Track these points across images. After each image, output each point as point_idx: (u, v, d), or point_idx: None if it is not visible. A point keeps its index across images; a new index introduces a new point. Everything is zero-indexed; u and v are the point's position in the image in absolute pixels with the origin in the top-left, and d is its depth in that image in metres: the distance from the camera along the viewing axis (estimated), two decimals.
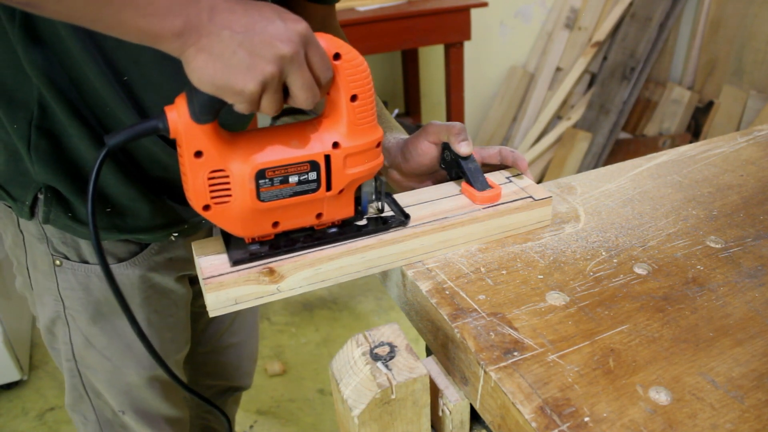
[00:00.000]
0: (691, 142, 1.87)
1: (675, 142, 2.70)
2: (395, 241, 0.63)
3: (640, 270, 0.62)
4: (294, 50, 0.51)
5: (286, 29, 0.51)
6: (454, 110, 2.53)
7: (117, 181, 0.75)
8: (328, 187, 0.59)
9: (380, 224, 0.64)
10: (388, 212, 0.66)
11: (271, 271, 0.59)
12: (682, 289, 0.60)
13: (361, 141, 0.58)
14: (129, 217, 0.79)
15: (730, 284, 0.61)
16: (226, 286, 0.57)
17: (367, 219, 0.65)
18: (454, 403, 0.57)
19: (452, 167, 0.71)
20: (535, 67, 3.09)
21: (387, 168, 0.80)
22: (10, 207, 0.81)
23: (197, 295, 1.01)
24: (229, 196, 0.57)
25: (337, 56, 0.55)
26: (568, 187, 0.78)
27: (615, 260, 0.64)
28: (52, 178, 0.73)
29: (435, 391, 0.58)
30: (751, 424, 0.46)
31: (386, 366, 0.52)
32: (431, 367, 0.60)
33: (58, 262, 0.84)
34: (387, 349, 0.53)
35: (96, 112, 0.70)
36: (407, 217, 0.65)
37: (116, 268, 0.86)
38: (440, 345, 0.59)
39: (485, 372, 0.51)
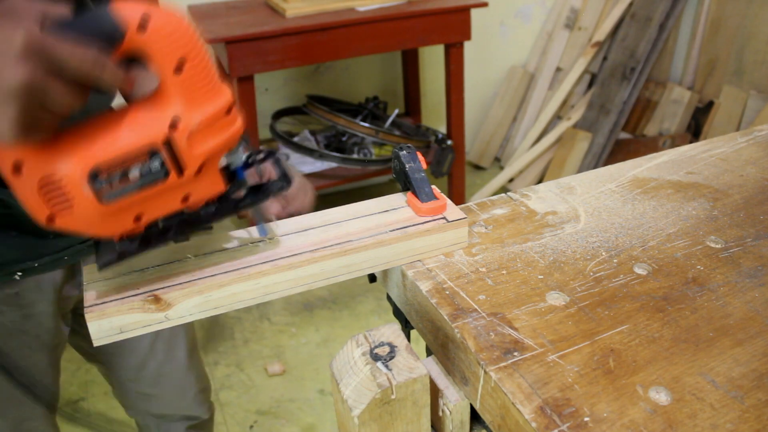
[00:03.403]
0: (691, 142, 1.87)
1: (675, 142, 2.70)
2: (292, 267, 0.59)
3: (640, 270, 0.62)
4: (28, 77, 0.43)
5: (7, 51, 0.42)
6: (454, 110, 2.53)
7: None
8: (180, 172, 0.51)
9: (260, 194, 0.58)
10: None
11: (157, 299, 0.56)
12: (682, 289, 0.60)
13: (203, 112, 0.50)
14: None
15: (730, 284, 0.61)
16: (108, 315, 0.54)
17: (248, 189, 0.58)
18: (454, 403, 0.57)
19: (401, 177, 0.69)
20: (535, 67, 3.09)
21: None
22: None
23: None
24: (68, 201, 0.49)
25: (142, 27, 0.46)
26: (568, 187, 0.78)
27: (615, 260, 0.64)
28: None
29: (435, 391, 0.58)
30: (751, 424, 0.46)
31: (386, 366, 0.52)
32: (431, 367, 0.60)
33: None
34: (387, 349, 0.53)
35: None
36: (289, 181, 0.59)
37: None
38: (440, 345, 0.59)
39: (485, 372, 0.51)
